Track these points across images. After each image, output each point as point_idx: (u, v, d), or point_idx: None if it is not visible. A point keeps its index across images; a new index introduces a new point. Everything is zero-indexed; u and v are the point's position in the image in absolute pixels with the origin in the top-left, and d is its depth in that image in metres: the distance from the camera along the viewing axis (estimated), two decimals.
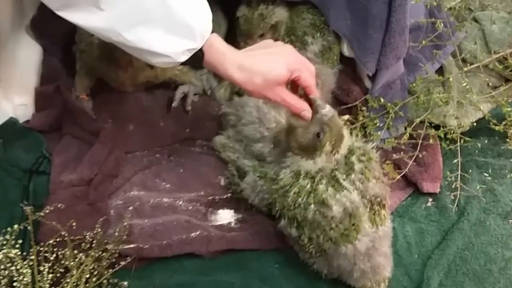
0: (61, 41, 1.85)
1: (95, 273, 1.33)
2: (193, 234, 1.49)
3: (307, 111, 1.28)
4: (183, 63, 1.25)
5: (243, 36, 1.73)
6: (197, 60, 1.24)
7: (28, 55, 1.82)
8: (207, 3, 1.24)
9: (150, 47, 1.19)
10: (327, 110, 1.26)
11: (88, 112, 1.76)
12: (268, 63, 1.28)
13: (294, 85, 1.34)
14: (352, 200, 1.27)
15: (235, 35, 1.79)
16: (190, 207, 1.60)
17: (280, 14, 1.74)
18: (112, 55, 1.65)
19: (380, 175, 1.35)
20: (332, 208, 1.26)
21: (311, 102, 1.30)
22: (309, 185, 1.28)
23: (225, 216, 1.59)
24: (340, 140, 1.29)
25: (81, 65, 1.77)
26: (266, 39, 1.64)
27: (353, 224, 1.28)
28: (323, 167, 1.29)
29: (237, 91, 1.75)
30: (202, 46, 1.23)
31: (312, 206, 1.27)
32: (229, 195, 1.63)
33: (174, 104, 1.80)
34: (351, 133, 1.40)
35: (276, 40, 1.47)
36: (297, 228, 1.33)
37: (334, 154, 1.29)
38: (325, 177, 1.28)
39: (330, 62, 1.77)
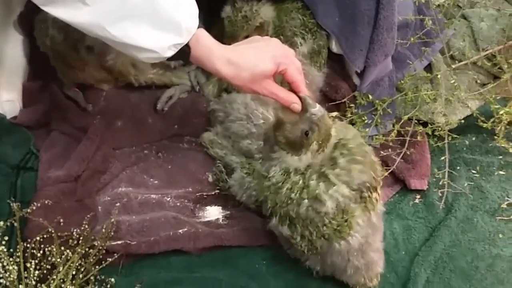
0: None
1: (82, 269, 1.33)
2: (180, 231, 1.49)
3: (296, 104, 1.28)
4: (170, 59, 1.24)
5: (228, 38, 1.72)
6: (184, 55, 1.24)
7: (16, 51, 1.82)
8: None
9: (136, 42, 1.19)
10: (317, 109, 1.25)
11: (80, 104, 1.77)
12: (255, 56, 1.28)
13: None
14: (343, 194, 1.27)
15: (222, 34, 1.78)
16: (178, 204, 1.60)
17: (265, 14, 1.72)
18: (65, 57, 1.68)
19: (365, 158, 1.32)
20: (326, 203, 1.25)
21: (301, 99, 1.29)
22: (301, 181, 1.28)
23: (213, 213, 1.59)
24: (327, 140, 1.28)
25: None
26: None
27: (346, 220, 1.28)
28: (311, 164, 1.29)
29: (226, 87, 1.75)
30: (189, 41, 1.23)
31: (306, 201, 1.27)
32: (217, 191, 1.63)
33: (158, 106, 1.80)
34: None
35: None
36: (289, 226, 1.32)
37: (320, 154, 1.29)
38: (315, 173, 1.28)
39: (318, 65, 1.77)
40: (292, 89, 1.31)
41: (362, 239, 1.31)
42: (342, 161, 1.28)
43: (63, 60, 1.73)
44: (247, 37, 1.70)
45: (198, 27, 1.24)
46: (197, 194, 1.63)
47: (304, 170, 1.29)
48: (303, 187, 1.27)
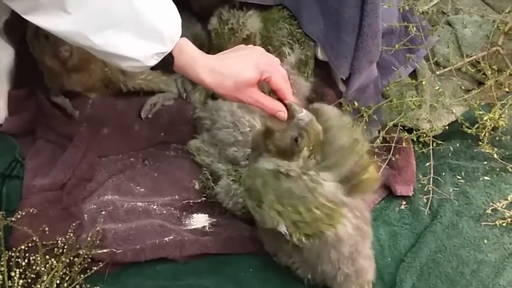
0: None
1: (67, 278, 1.33)
2: (166, 239, 1.48)
3: (282, 112, 1.29)
4: (153, 68, 1.24)
5: (215, 51, 1.72)
6: (167, 64, 1.24)
7: (1, 58, 1.82)
8: (176, 8, 1.24)
9: (119, 51, 1.19)
10: (304, 114, 1.25)
11: (67, 111, 1.78)
12: (238, 65, 1.28)
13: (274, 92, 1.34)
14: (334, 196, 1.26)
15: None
16: (164, 211, 1.60)
17: (252, 26, 1.73)
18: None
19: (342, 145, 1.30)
20: (323, 187, 1.24)
21: (287, 106, 1.29)
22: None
23: (200, 220, 1.59)
24: (318, 145, 1.27)
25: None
26: None
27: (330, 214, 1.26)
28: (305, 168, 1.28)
29: (212, 94, 1.75)
30: (172, 50, 1.23)
31: (304, 177, 1.24)
32: (203, 199, 1.63)
33: (142, 114, 1.81)
34: None
35: None
36: (279, 213, 1.27)
37: (311, 159, 1.27)
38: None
39: (305, 75, 1.77)
40: (278, 97, 1.31)
41: (351, 247, 1.30)
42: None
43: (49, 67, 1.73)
44: None
45: (181, 37, 1.24)
46: (184, 202, 1.63)
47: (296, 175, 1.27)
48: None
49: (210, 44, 1.80)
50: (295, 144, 1.25)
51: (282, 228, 1.26)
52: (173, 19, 1.23)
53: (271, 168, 1.26)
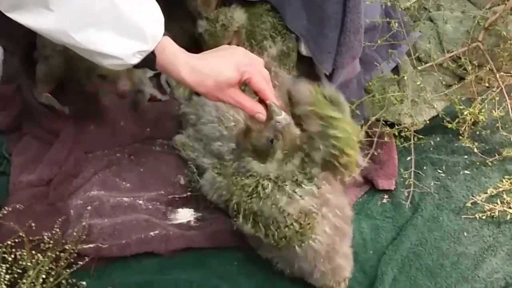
0: (22, 41, 1.83)
1: (53, 273, 1.34)
2: (152, 233, 1.50)
3: (261, 114, 1.29)
4: (136, 66, 1.24)
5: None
6: (149, 62, 1.24)
7: None
8: (158, 7, 1.25)
9: (101, 49, 1.19)
10: (282, 117, 1.25)
11: (55, 108, 1.77)
12: (219, 65, 1.28)
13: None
14: (314, 202, 1.29)
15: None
16: (150, 206, 1.61)
17: (239, 18, 1.74)
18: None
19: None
20: (299, 202, 1.27)
21: (267, 106, 1.29)
22: (271, 185, 1.28)
23: (185, 215, 1.60)
24: (294, 150, 1.29)
25: (43, 70, 1.76)
26: (233, 44, 1.67)
27: (308, 223, 1.29)
28: (284, 172, 1.29)
29: None
30: (154, 49, 1.23)
31: (273, 198, 1.27)
32: (188, 194, 1.65)
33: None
34: None
35: (238, 44, 1.48)
36: (252, 224, 1.32)
37: (286, 164, 1.29)
38: (287, 180, 1.29)
39: (287, 68, 1.79)
40: (260, 99, 1.32)
41: (327, 246, 1.32)
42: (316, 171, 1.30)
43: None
44: (229, 44, 1.73)
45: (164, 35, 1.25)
46: (169, 197, 1.64)
47: (274, 179, 1.29)
48: (274, 187, 1.28)
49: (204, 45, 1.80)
50: (270, 145, 1.26)
51: (258, 234, 1.31)
52: (155, 17, 1.23)
53: (248, 184, 1.30)
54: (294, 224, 1.28)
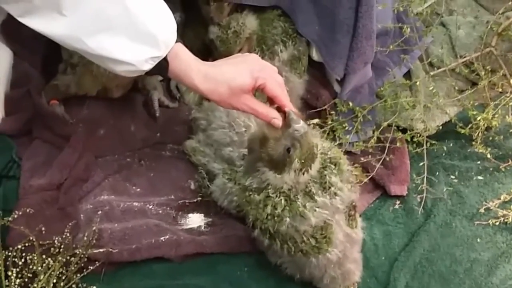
0: (32, 45, 1.84)
1: (63, 277, 1.34)
2: (162, 238, 1.50)
3: (277, 119, 1.27)
4: (148, 73, 1.24)
5: (223, 57, 1.71)
6: (161, 69, 1.24)
7: None
8: (171, 13, 1.24)
9: (113, 55, 1.18)
10: (300, 125, 1.23)
11: (59, 116, 1.75)
12: (232, 71, 1.27)
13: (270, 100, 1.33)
14: (327, 214, 1.28)
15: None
16: (160, 211, 1.61)
17: (251, 24, 1.73)
18: None
19: (352, 179, 1.36)
20: (311, 220, 1.27)
21: (285, 114, 1.28)
22: (283, 200, 1.28)
23: (195, 220, 1.60)
24: (311, 159, 1.27)
25: (67, 78, 1.76)
26: (244, 51, 1.67)
27: (325, 237, 1.30)
28: (297, 183, 1.28)
29: None
30: (167, 55, 1.22)
31: (287, 219, 1.27)
32: (199, 199, 1.64)
33: (157, 113, 1.82)
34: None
35: (249, 51, 1.47)
36: (269, 239, 1.33)
37: (304, 174, 1.27)
38: (300, 192, 1.29)
39: (298, 72, 1.78)
40: (276, 106, 1.30)
41: (340, 253, 1.33)
42: (335, 180, 1.29)
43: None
44: (240, 50, 1.73)
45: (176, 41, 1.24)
46: (179, 202, 1.64)
47: (287, 191, 1.29)
48: (286, 205, 1.28)
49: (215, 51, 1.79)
50: (287, 154, 1.24)
51: (274, 247, 1.33)
52: (168, 23, 1.22)
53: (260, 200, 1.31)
54: (311, 239, 1.29)
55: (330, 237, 1.30)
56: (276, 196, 1.29)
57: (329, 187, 1.29)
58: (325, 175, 1.30)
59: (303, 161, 1.25)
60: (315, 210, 1.27)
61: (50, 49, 1.80)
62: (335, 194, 1.30)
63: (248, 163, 1.41)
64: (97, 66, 1.60)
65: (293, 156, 1.24)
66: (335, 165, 1.31)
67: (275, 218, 1.28)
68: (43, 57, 1.82)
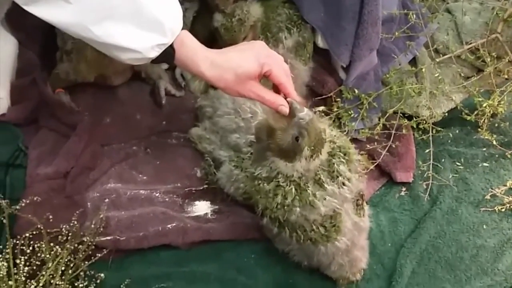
0: (37, 34, 1.84)
1: (71, 265, 1.35)
2: (169, 226, 1.50)
3: (284, 106, 1.26)
4: (154, 61, 1.23)
5: (227, 45, 1.71)
6: (168, 57, 1.23)
7: (4, 48, 1.82)
8: (177, 0, 1.24)
9: (119, 42, 1.18)
10: (305, 113, 1.23)
11: (66, 104, 1.75)
12: (238, 58, 1.27)
13: (275, 87, 1.33)
14: (336, 202, 1.29)
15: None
16: (167, 199, 1.61)
17: (255, 12, 1.72)
18: None
19: (360, 169, 1.36)
20: (320, 209, 1.27)
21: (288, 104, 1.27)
22: (293, 189, 1.28)
23: (202, 207, 1.60)
24: (321, 145, 1.27)
25: (65, 66, 1.76)
26: (249, 39, 1.66)
27: (334, 225, 1.30)
28: (307, 170, 1.28)
29: None
30: (173, 43, 1.22)
31: (298, 209, 1.28)
32: (205, 186, 1.64)
33: (163, 101, 1.83)
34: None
35: (254, 38, 1.47)
36: (278, 227, 1.34)
37: (314, 159, 1.27)
38: (310, 180, 1.29)
39: (303, 59, 1.78)
40: (280, 93, 1.30)
41: (348, 241, 1.33)
42: (343, 169, 1.29)
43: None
44: (245, 38, 1.72)
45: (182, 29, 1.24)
46: (186, 189, 1.64)
47: (298, 179, 1.28)
48: (296, 195, 1.28)
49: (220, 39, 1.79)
50: (296, 143, 1.24)
51: (283, 235, 1.34)
52: (174, 10, 1.22)
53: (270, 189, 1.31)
54: (320, 228, 1.30)
55: (339, 225, 1.30)
56: (287, 185, 1.28)
57: (337, 176, 1.29)
58: (334, 164, 1.29)
59: (312, 147, 1.25)
60: (325, 199, 1.28)
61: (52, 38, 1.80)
62: (343, 184, 1.29)
63: (256, 152, 1.40)
64: (91, 51, 1.62)
65: (302, 144, 1.23)
66: (344, 154, 1.31)
67: (285, 207, 1.28)
68: (46, 46, 1.81)
